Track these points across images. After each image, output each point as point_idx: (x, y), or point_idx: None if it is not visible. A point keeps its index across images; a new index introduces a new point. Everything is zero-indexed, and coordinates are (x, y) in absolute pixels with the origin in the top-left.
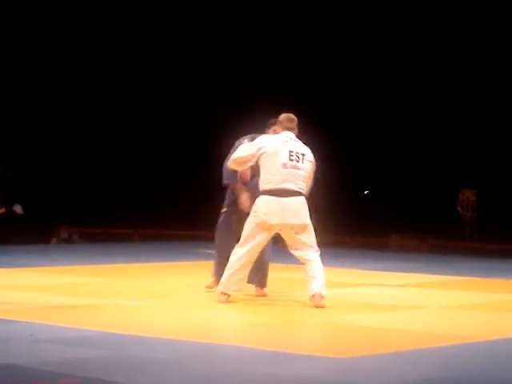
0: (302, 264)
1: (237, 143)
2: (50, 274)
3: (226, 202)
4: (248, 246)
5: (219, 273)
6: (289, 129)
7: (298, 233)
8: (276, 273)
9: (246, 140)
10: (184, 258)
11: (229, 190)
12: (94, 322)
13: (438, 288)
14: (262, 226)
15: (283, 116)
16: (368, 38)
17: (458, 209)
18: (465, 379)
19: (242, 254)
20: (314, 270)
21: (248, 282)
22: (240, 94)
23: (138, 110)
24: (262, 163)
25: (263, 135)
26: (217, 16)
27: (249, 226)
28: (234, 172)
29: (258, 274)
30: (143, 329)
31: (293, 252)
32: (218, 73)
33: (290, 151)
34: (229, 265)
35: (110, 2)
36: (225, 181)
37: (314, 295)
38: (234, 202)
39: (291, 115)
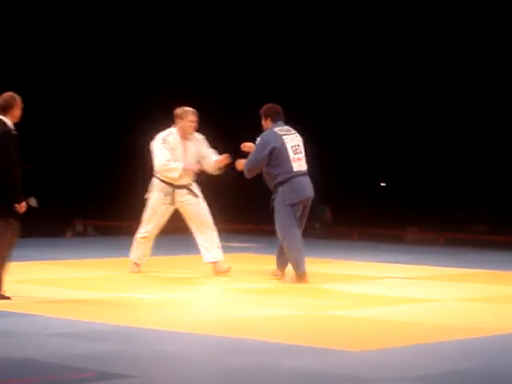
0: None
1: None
2: (65, 267)
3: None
4: None
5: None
6: None
7: None
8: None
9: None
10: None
11: None
12: (108, 315)
13: (453, 281)
14: None
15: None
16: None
17: None
18: (480, 372)
19: None
20: None
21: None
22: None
23: None
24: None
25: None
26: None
27: None
28: None
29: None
30: (158, 323)
31: None
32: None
33: None
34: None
35: None
36: None
37: None
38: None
39: None
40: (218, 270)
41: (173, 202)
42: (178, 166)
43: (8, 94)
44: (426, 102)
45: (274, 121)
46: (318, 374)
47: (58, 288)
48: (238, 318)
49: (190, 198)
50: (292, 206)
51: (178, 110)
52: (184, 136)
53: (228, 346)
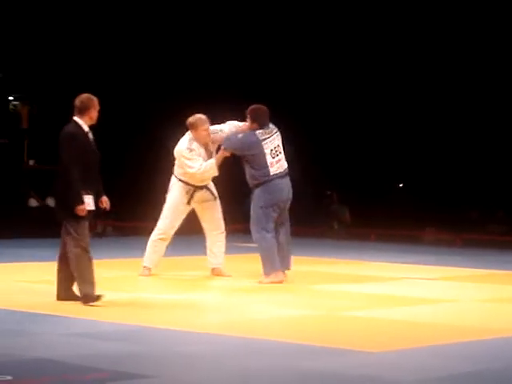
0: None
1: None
2: None
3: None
4: None
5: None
6: None
7: None
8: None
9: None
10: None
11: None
12: (126, 315)
13: (471, 282)
14: None
15: None
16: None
17: None
18: (498, 373)
19: None
20: None
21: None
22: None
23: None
24: None
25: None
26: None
27: None
28: None
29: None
30: (176, 323)
31: None
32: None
33: None
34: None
35: None
36: None
37: None
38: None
39: None
40: (219, 274)
41: (190, 202)
42: (211, 164)
43: (85, 96)
44: (443, 104)
45: (261, 125)
46: (337, 374)
47: (76, 288)
48: (255, 319)
49: (208, 197)
50: (266, 208)
51: (191, 120)
52: (201, 142)
53: (245, 347)
